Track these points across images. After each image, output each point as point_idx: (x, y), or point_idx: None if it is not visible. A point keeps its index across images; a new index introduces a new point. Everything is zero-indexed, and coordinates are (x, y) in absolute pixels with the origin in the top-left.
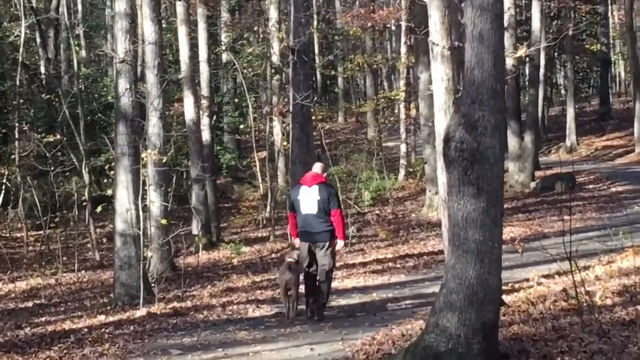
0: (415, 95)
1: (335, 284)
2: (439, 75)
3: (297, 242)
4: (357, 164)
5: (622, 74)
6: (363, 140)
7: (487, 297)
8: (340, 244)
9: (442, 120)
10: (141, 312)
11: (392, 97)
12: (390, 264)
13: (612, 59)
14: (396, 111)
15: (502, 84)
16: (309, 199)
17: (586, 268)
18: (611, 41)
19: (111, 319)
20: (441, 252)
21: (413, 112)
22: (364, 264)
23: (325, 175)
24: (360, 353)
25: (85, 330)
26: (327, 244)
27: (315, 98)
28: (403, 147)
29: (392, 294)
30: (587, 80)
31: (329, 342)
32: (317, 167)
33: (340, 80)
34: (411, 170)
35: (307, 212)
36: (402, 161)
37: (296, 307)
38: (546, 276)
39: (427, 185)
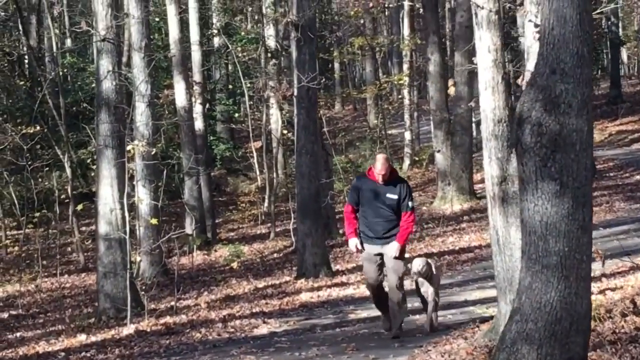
0: (419, 79)
1: (350, 291)
2: (485, 45)
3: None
4: (359, 153)
5: (625, 56)
6: (364, 127)
7: (574, 325)
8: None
9: (489, 100)
10: (128, 329)
11: (396, 82)
12: (409, 266)
13: (623, 40)
14: (399, 97)
15: (590, 48)
16: None
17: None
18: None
19: (93, 338)
20: (464, 250)
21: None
22: None
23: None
24: None
25: (62, 354)
26: None
27: (324, 80)
28: (407, 135)
29: (417, 302)
30: (595, 63)
31: None
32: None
33: (337, 65)
34: (417, 159)
35: None
36: (407, 149)
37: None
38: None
39: (439, 176)
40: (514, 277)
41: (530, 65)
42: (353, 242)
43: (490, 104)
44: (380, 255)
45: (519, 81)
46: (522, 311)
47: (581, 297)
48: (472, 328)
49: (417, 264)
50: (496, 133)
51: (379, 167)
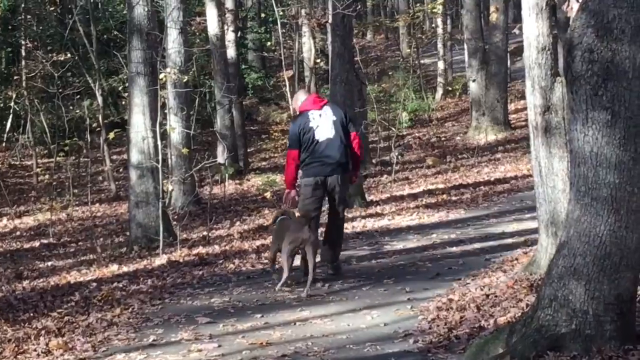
0: (453, 7)
1: (385, 222)
2: None
3: (292, 194)
4: (392, 82)
5: None
6: (396, 57)
7: (623, 260)
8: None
9: (532, 27)
10: (161, 259)
11: (430, 11)
12: (445, 197)
13: None
14: (433, 26)
15: None
16: (324, 122)
17: None
18: None
19: (125, 269)
20: (499, 181)
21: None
22: (413, 196)
23: None
24: (440, 324)
25: (94, 284)
26: (343, 177)
27: (359, 7)
28: (441, 64)
29: (454, 234)
30: None
31: (394, 304)
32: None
33: None
34: (450, 89)
35: (325, 137)
36: (440, 79)
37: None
38: None
39: (473, 106)
40: (556, 209)
41: None
42: None
43: (534, 31)
44: None
45: (564, 7)
46: (570, 245)
47: (631, 231)
48: (511, 261)
49: None
50: (539, 61)
51: None
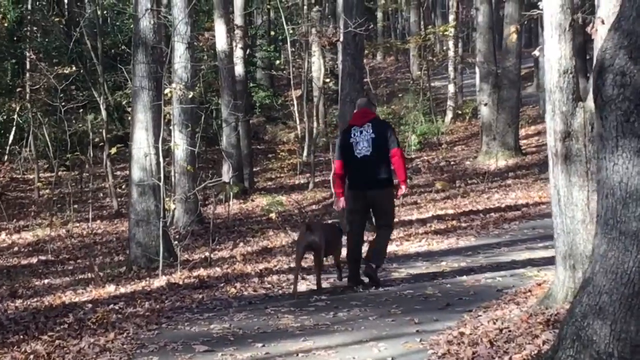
0: (465, 30)
1: (393, 247)
2: None
3: (341, 202)
4: (401, 105)
5: None
6: (406, 79)
7: None
8: (403, 189)
9: (555, 49)
10: (160, 281)
11: (441, 33)
12: (454, 223)
13: None
14: (444, 48)
15: None
16: (362, 139)
17: None
18: None
19: (122, 290)
20: (510, 208)
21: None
22: (422, 222)
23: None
24: (451, 359)
25: (89, 306)
26: (384, 192)
27: (371, 26)
28: (451, 88)
29: (464, 262)
30: None
31: (402, 335)
32: (362, 102)
33: (379, 15)
34: (459, 112)
35: (362, 154)
36: (450, 102)
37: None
38: None
39: (484, 130)
40: (575, 240)
41: (601, 11)
42: None
43: (556, 53)
44: None
45: (588, 29)
46: (595, 282)
47: None
48: (524, 292)
49: None
50: (561, 85)
51: None
